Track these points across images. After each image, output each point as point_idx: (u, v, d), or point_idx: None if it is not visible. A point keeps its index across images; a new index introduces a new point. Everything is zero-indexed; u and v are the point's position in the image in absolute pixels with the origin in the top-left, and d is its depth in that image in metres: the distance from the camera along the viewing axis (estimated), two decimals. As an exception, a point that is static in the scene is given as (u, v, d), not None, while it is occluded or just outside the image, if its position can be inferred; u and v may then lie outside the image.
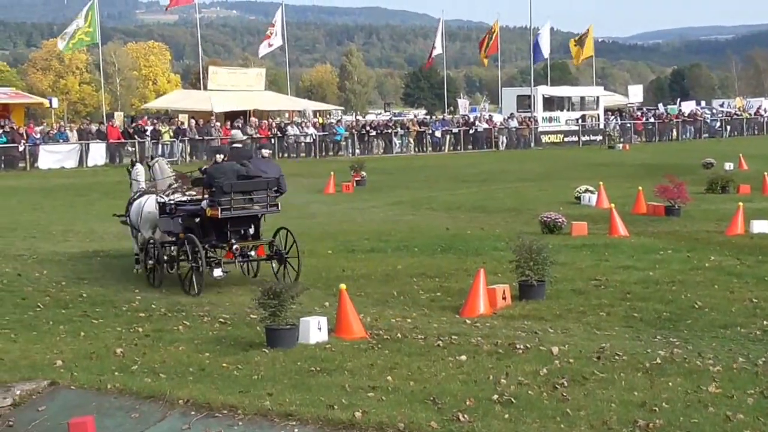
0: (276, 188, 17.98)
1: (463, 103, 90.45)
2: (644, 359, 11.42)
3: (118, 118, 66.37)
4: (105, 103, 77.16)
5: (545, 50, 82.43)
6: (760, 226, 23.13)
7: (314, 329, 12.66)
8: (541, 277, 15.64)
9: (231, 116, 64.66)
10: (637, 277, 17.42)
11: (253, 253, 18.14)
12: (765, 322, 13.59)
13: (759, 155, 51.14)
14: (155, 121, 62.62)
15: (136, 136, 55.70)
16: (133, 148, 55.04)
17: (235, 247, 17.63)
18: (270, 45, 72.51)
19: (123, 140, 55.99)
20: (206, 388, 10.30)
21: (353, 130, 64.94)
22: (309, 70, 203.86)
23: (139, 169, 20.76)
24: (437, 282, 17.40)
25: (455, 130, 68.14)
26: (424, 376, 10.91)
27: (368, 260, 19.94)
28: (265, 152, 20.09)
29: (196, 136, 58.21)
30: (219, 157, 17.88)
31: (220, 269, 17.49)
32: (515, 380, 10.58)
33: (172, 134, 57.45)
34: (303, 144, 62.33)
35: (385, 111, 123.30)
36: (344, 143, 63.48)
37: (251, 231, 18.01)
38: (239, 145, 19.53)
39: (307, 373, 11.09)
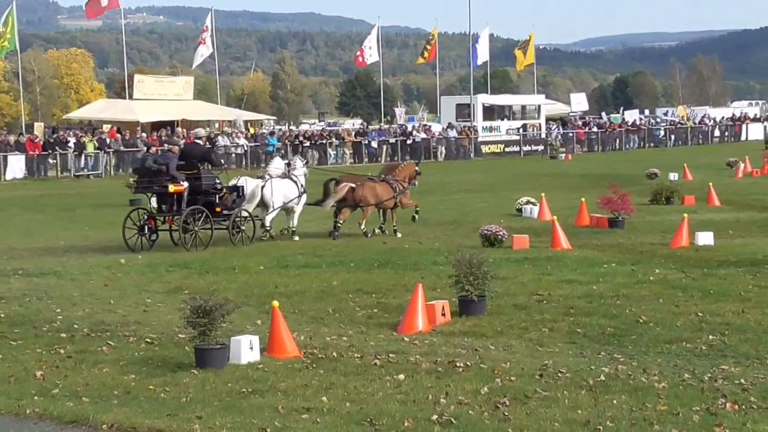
0: (167, 175, 24.41)
1: (400, 113, 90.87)
2: (588, 376, 11.48)
3: (39, 128, 65.79)
4: (24, 113, 76.43)
5: (483, 55, 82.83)
6: (705, 238, 23.37)
7: (246, 348, 12.59)
8: (482, 293, 15.66)
9: (157, 126, 64.39)
10: (580, 291, 17.52)
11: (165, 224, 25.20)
12: (711, 337, 13.72)
13: (703, 165, 51.88)
14: (78, 132, 62.16)
15: (57, 148, 55.26)
16: (55, 161, 54.62)
17: (146, 216, 25.10)
18: (201, 55, 72.25)
19: (44, 152, 55.50)
20: (132, 412, 10.20)
21: (286, 141, 64.94)
22: (240, 78, 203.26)
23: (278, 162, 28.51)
24: (374, 298, 17.38)
25: (392, 141, 68.37)
26: (361, 396, 10.89)
27: (302, 276, 19.88)
28: (174, 148, 26.01)
29: (122, 148, 57.89)
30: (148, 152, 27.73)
31: (153, 234, 25.10)
32: (455, 399, 10.59)
33: (96, 145, 57.07)
34: (234, 155, 62.19)
35: (320, 121, 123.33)
36: (277, 154, 63.33)
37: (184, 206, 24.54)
38: (200, 142, 27.21)
39: (239, 395, 11.03)
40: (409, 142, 68.34)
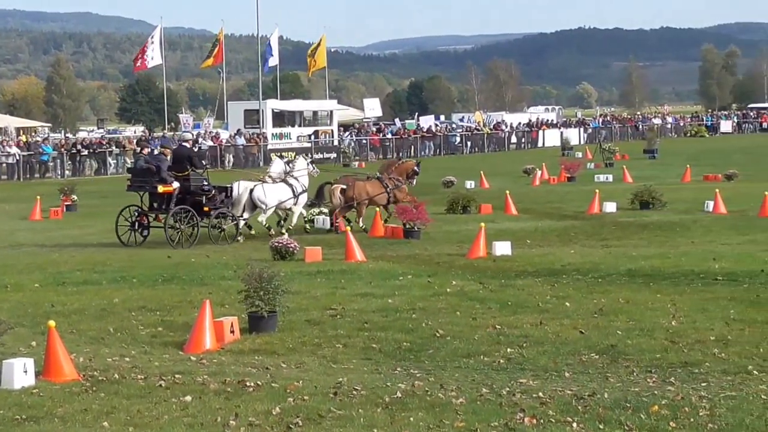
0: (157, 176, 27.25)
1: (185, 119, 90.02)
2: (384, 393, 11.58)
3: None
4: None
5: (273, 59, 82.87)
6: (502, 248, 23.83)
7: (19, 372, 12.33)
8: (273, 308, 15.67)
9: None
10: (375, 305, 17.67)
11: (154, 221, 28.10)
12: (509, 350, 14.00)
13: (500, 172, 52.98)
14: None
15: None
16: None
17: (138, 214, 27.96)
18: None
19: None
20: None
21: (62, 149, 63.85)
22: (11, 82, 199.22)
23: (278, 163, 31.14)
24: (159, 316, 17.22)
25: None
26: (145, 420, 10.78)
27: (81, 293, 19.57)
28: (167, 151, 28.42)
29: None
30: (140, 153, 29.06)
31: (145, 230, 28.03)
32: (245, 421, 10.58)
33: None
34: (4, 165, 60.86)
35: (99, 128, 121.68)
36: (52, 164, 62.28)
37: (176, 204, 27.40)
38: (187, 144, 29.35)
39: (12, 423, 10.80)
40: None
